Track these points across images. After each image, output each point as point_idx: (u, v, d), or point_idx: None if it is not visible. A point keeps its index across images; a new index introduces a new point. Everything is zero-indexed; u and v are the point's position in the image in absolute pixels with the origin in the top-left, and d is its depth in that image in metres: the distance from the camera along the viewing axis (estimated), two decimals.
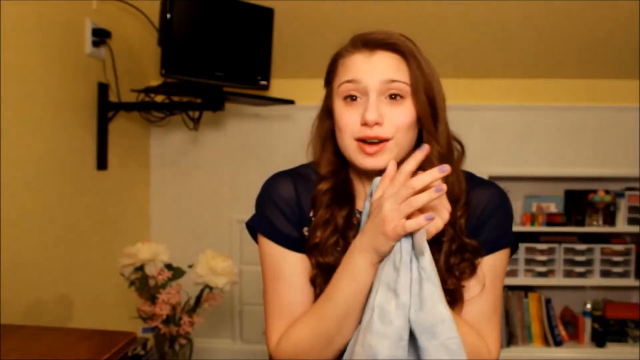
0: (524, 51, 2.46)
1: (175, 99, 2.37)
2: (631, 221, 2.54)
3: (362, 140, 0.91)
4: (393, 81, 0.90)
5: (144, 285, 1.85)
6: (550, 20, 2.30)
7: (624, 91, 2.59)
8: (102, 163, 2.16)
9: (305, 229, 0.98)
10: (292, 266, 0.95)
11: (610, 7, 2.19)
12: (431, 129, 0.93)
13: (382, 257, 0.84)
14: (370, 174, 0.95)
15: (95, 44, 2.04)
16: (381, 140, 0.90)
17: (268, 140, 2.63)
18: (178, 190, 2.68)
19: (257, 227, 0.99)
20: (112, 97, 2.18)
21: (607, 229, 2.55)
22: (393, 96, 0.91)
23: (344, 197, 0.98)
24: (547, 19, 2.30)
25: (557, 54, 2.48)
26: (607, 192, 2.55)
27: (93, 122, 2.11)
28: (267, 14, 2.20)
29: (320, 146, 1.02)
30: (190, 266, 1.94)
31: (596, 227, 2.56)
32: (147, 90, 2.22)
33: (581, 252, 2.57)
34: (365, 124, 0.90)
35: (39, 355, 1.12)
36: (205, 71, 2.12)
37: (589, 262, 2.57)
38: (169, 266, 1.90)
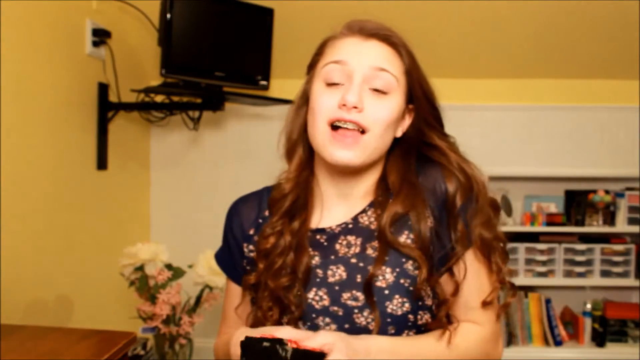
0: (524, 51, 2.46)
1: (175, 99, 2.38)
2: (631, 221, 2.54)
3: (336, 127, 0.84)
4: (382, 70, 0.85)
5: (144, 285, 1.85)
6: (551, 20, 2.30)
7: (624, 91, 2.59)
8: (102, 163, 2.16)
9: (248, 245, 0.97)
10: (232, 297, 1.00)
11: (610, 7, 2.20)
12: (432, 123, 0.91)
13: None
14: (337, 177, 0.90)
15: (95, 44, 2.04)
16: (358, 129, 0.84)
17: (268, 140, 2.61)
18: (178, 191, 2.68)
19: (217, 255, 1.05)
20: (112, 97, 2.18)
21: (607, 229, 2.55)
22: (377, 90, 0.85)
23: (298, 205, 0.91)
24: (547, 19, 2.30)
25: (557, 54, 2.48)
26: (607, 192, 2.55)
27: (93, 122, 2.11)
28: (267, 14, 2.20)
29: (294, 138, 0.96)
30: (190, 266, 1.94)
31: (596, 227, 2.56)
32: (147, 90, 2.22)
33: (581, 252, 2.57)
34: (344, 105, 0.83)
35: (39, 355, 1.12)
36: (205, 71, 2.12)
37: (589, 262, 2.57)
38: (169, 266, 1.90)
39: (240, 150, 2.65)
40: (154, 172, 2.69)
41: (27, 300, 1.72)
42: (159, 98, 2.36)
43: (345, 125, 0.84)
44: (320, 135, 0.86)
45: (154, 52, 2.16)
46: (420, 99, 0.90)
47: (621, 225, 2.55)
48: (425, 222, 0.86)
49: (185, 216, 2.67)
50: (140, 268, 1.85)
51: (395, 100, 0.87)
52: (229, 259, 1.00)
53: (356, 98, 0.82)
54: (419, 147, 0.93)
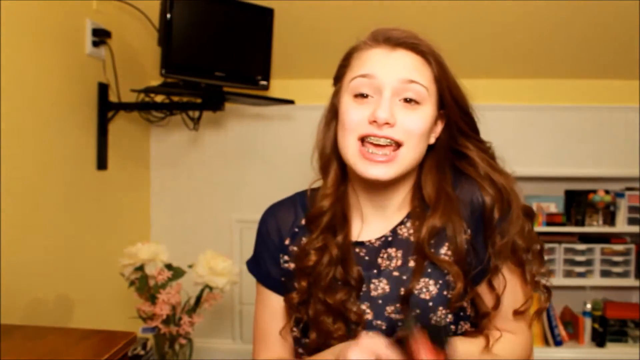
0: (524, 51, 2.46)
1: (175, 99, 2.38)
2: (631, 221, 2.54)
3: (367, 142, 0.82)
4: (412, 82, 0.83)
5: (144, 285, 1.85)
6: (551, 20, 2.30)
7: (624, 91, 2.59)
8: (102, 163, 2.16)
9: (285, 256, 0.94)
10: (271, 312, 0.96)
11: (610, 7, 2.19)
12: (466, 130, 0.89)
13: None
14: (372, 190, 0.89)
15: (95, 44, 2.04)
16: (392, 142, 0.82)
17: (268, 140, 2.63)
18: (178, 191, 2.68)
19: (248, 263, 1.01)
20: (112, 97, 2.18)
21: (607, 229, 2.55)
22: (408, 100, 0.83)
23: (337, 220, 0.90)
24: (547, 19, 2.30)
25: (557, 54, 2.48)
26: (607, 192, 2.55)
27: (93, 122, 2.11)
28: (267, 14, 2.20)
29: (327, 153, 0.92)
30: (190, 266, 1.94)
31: (596, 227, 2.56)
32: (147, 90, 2.22)
33: (581, 252, 2.57)
34: (374, 121, 0.81)
35: (39, 355, 1.12)
36: (205, 71, 2.12)
37: (589, 262, 2.57)
38: (169, 266, 1.90)
39: (240, 151, 2.65)
40: (154, 172, 2.69)
41: (27, 300, 1.72)
42: (159, 98, 2.36)
43: (377, 142, 0.82)
44: (351, 150, 0.84)
45: (154, 52, 2.16)
46: (450, 105, 0.88)
47: (621, 225, 2.55)
48: (462, 236, 0.86)
49: (185, 216, 2.67)
50: (140, 268, 1.85)
51: (427, 110, 0.85)
52: (264, 267, 0.97)
53: (387, 114, 0.80)
54: (451, 156, 0.91)
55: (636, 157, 2.56)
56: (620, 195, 2.56)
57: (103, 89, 2.13)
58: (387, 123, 0.81)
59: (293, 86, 2.50)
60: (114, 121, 2.22)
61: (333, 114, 0.92)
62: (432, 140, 0.90)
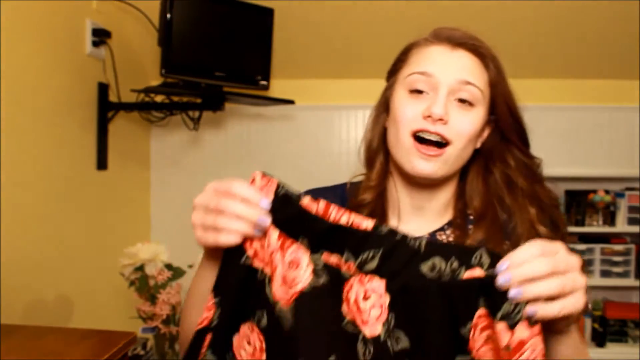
0: (524, 51, 2.46)
1: (175, 99, 2.37)
2: (631, 221, 2.54)
3: (420, 138, 0.81)
4: (468, 83, 0.82)
5: (144, 285, 1.85)
6: (551, 20, 2.30)
7: (624, 91, 2.59)
8: (102, 163, 2.16)
9: None
10: None
11: (611, 7, 2.20)
12: (516, 142, 0.86)
13: (211, 255, 0.76)
14: (414, 189, 0.87)
15: (95, 44, 2.04)
16: (442, 141, 0.81)
17: (268, 140, 2.63)
18: (178, 191, 2.68)
19: None
20: (112, 97, 2.18)
21: (607, 229, 2.55)
22: (462, 100, 0.82)
23: (376, 214, 0.87)
24: (547, 19, 2.30)
25: (557, 54, 2.48)
26: (607, 192, 2.55)
27: (93, 122, 2.11)
28: (267, 14, 2.20)
29: (375, 146, 0.91)
30: (190, 266, 1.94)
31: (596, 227, 2.56)
32: (147, 90, 2.22)
33: (581, 252, 2.57)
34: (428, 116, 0.80)
35: (39, 355, 1.12)
36: (205, 71, 2.12)
37: (588, 262, 2.57)
38: (169, 266, 1.89)
39: (240, 150, 2.65)
40: (154, 172, 2.69)
41: (27, 300, 1.72)
42: (159, 98, 2.36)
43: (429, 137, 0.81)
44: (402, 145, 0.83)
45: (154, 52, 2.16)
46: (503, 112, 0.87)
47: (621, 225, 2.55)
48: (501, 249, 0.83)
49: (185, 216, 2.65)
50: (140, 268, 1.85)
51: (480, 113, 0.84)
52: None
53: (442, 110, 0.80)
54: (500, 166, 0.89)
55: (636, 157, 2.56)
56: (620, 195, 2.56)
57: (103, 89, 2.13)
58: (440, 119, 0.80)
59: (293, 86, 2.50)
60: (114, 121, 2.22)
61: (384, 108, 0.91)
62: (479, 145, 0.89)
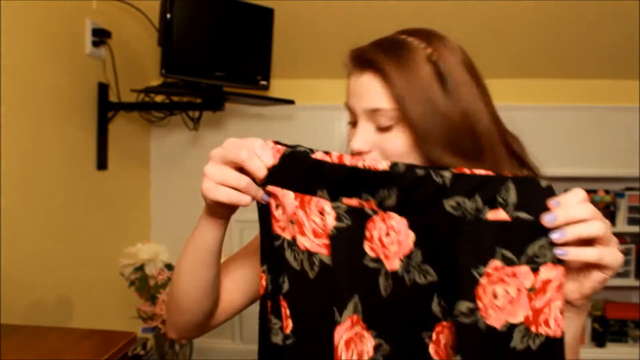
0: (524, 51, 2.46)
1: (175, 99, 2.38)
2: (631, 221, 2.54)
3: None
4: (374, 110, 0.77)
5: (144, 285, 1.85)
6: (551, 20, 2.30)
7: (624, 91, 2.59)
8: (102, 163, 2.16)
9: None
10: None
11: (610, 7, 2.20)
12: (437, 153, 0.75)
13: (212, 213, 0.76)
14: None
15: (95, 44, 2.04)
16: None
17: None
18: (178, 191, 2.68)
19: None
20: (112, 97, 2.18)
21: None
22: (380, 128, 0.77)
23: None
24: (546, 19, 2.30)
25: (556, 54, 2.48)
26: (607, 192, 2.55)
27: (93, 122, 2.11)
28: (267, 14, 2.20)
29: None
30: None
31: None
32: (147, 90, 2.22)
33: None
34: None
35: (39, 355, 1.12)
36: (205, 71, 2.12)
37: None
38: (169, 266, 1.90)
39: None
40: (154, 172, 2.69)
41: (27, 300, 1.72)
42: (159, 98, 2.36)
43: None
44: None
45: (154, 52, 2.16)
46: (419, 117, 0.78)
47: (621, 225, 2.55)
48: None
49: (185, 216, 2.66)
50: (140, 268, 1.85)
51: (402, 130, 0.76)
52: None
53: (358, 144, 0.78)
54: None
55: (636, 157, 2.56)
56: (620, 195, 2.56)
57: (103, 89, 2.13)
58: (360, 153, 0.78)
59: (293, 86, 2.50)
60: (114, 121, 2.22)
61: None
62: None
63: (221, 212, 0.76)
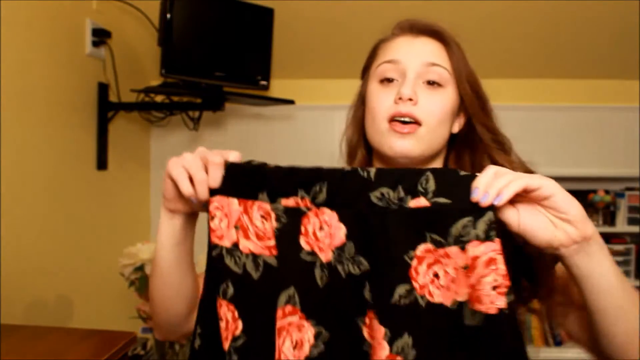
0: (523, 51, 2.46)
1: (175, 99, 2.38)
2: (631, 221, 2.54)
3: (394, 120, 0.84)
4: (434, 64, 0.86)
5: (144, 285, 1.85)
6: (551, 20, 2.30)
7: (624, 91, 2.59)
8: (102, 163, 2.16)
9: None
10: None
11: (610, 7, 2.20)
12: (482, 118, 0.88)
13: (165, 203, 0.77)
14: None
15: (95, 44, 2.04)
16: (414, 121, 0.84)
17: (268, 140, 2.63)
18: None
19: None
20: (112, 97, 2.18)
21: (607, 229, 2.55)
22: (431, 82, 0.86)
23: None
24: (547, 19, 2.30)
25: (557, 54, 2.48)
26: (607, 192, 2.55)
27: (93, 122, 2.11)
28: (267, 14, 2.20)
29: (355, 140, 0.95)
30: None
31: (596, 227, 2.54)
32: (147, 90, 2.22)
33: None
34: (399, 99, 0.84)
35: (39, 355, 1.12)
36: (205, 71, 2.12)
37: None
38: None
39: (240, 150, 2.64)
40: (154, 172, 2.69)
41: (27, 300, 1.72)
42: (159, 98, 2.36)
43: (402, 119, 0.84)
44: (379, 130, 0.86)
45: (154, 52, 2.16)
46: (467, 94, 0.89)
47: (621, 225, 2.55)
48: None
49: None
50: (140, 268, 1.85)
51: (449, 94, 0.87)
52: None
53: (410, 91, 0.83)
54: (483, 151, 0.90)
55: (636, 157, 2.56)
56: (620, 195, 2.56)
57: (103, 89, 2.13)
58: (410, 99, 0.83)
59: (293, 86, 2.50)
60: (114, 121, 2.22)
61: (361, 103, 0.95)
62: (456, 129, 0.91)
63: (170, 201, 0.77)
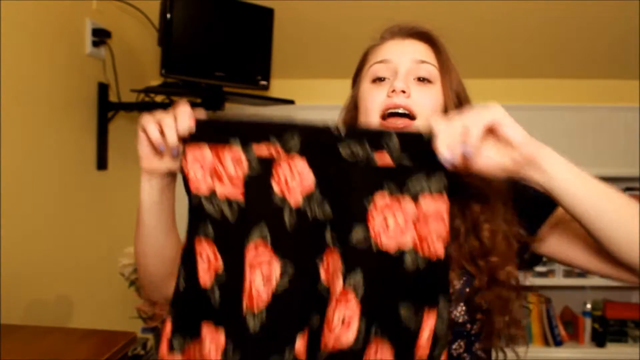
0: (524, 51, 2.46)
1: (175, 99, 2.37)
2: None
3: (389, 116, 0.86)
4: (423, 62, 0.89)
5: None
6: (550, 20, 2.30)
7: (624, 91, 2.59)
8: (102, 163, 2.16)
9: None
10: None
11: (611, 7, 2.20)
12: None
13: (142, 161, 0.85)
14: None
15: (95, 44, 2.04)
16: (409, 114, 0.86)
17: None
18: (178, 191, 2.67)
19: None
20: (112, 97, 2.18)
21: None
22: (422, 79, 0.89)
23: None
24: (547, 19, 2.30)
25: (557, 54, 2.48)
26: None
27: (93, 122, 2.11)
28: (267, 14, 2.20)
29: None
30: None
31: None
32: (147, 90, 2.22)
33: None
34: (393, 91, 0.86)
35: (39, 355, 1.12)
36: (205, 71, 2.12)
37: None
38: None
39: None
40: None
41: (27, 300, 1.72)
42: (159, 98, 2.36)
43: (396, 111, 0.86)
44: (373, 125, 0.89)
45: (154, 52, 2.16)
46: (448, 97, 0.91)
47: None
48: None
49: (185, 216, 2.67)
50: None
51: (439, 89, 0.90)
52: None
53: (403, 84, 0.86)
54: None
55: (636, 157, 2.56)
56: None
57: (103, 89, 2.13)
58: (403, 91, 0.86)
59: (293, 86, 2.50)
60: (114, 121, 2.22)
61: (353, 106, 0.97)
62: None
63: (145, 158, 0.87)
